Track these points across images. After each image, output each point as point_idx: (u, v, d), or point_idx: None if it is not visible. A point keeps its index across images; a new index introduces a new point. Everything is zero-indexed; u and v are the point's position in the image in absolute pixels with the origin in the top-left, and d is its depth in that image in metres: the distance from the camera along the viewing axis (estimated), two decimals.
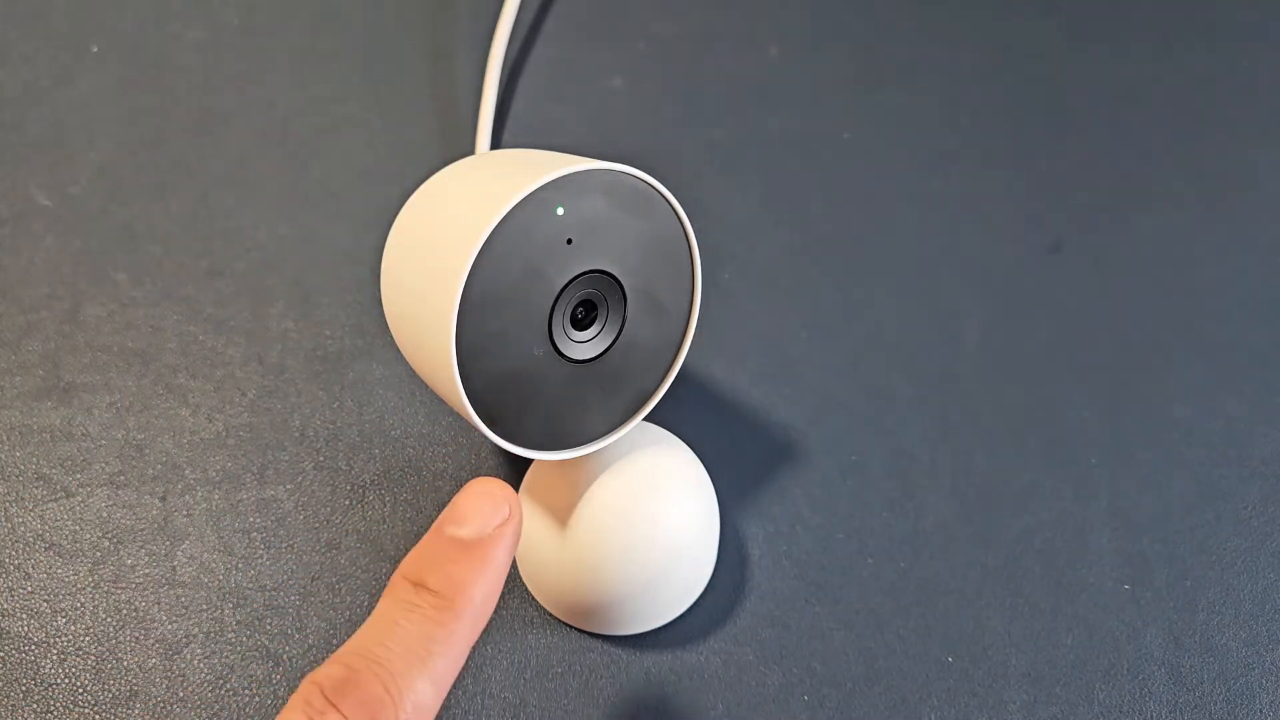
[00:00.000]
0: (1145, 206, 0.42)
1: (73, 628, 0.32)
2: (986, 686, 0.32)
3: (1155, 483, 0.35)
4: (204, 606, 0.33)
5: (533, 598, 0.33)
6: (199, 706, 0.31)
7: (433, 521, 0.34)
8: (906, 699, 0.32)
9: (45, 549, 0.34)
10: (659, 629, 0.32)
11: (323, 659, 0.32)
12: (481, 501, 0.24)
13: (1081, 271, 0.40)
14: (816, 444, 0.36)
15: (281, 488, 0.35)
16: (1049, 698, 0.32)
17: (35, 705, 0.31)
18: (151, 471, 0.35)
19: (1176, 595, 0.33)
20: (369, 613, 0.32)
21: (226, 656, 0.32)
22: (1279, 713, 0.31)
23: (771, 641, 0.32)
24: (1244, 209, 0.42)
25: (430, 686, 0.22)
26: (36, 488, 0.35)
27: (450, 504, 0.24)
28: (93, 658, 0.32)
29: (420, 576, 0.23)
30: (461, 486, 0.34)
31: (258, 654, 0.32)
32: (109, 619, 0.32)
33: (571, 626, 0.32)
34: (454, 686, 0.31)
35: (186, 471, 0.35)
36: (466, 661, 0.32)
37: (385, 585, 0.33)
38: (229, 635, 0.32)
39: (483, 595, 0.23)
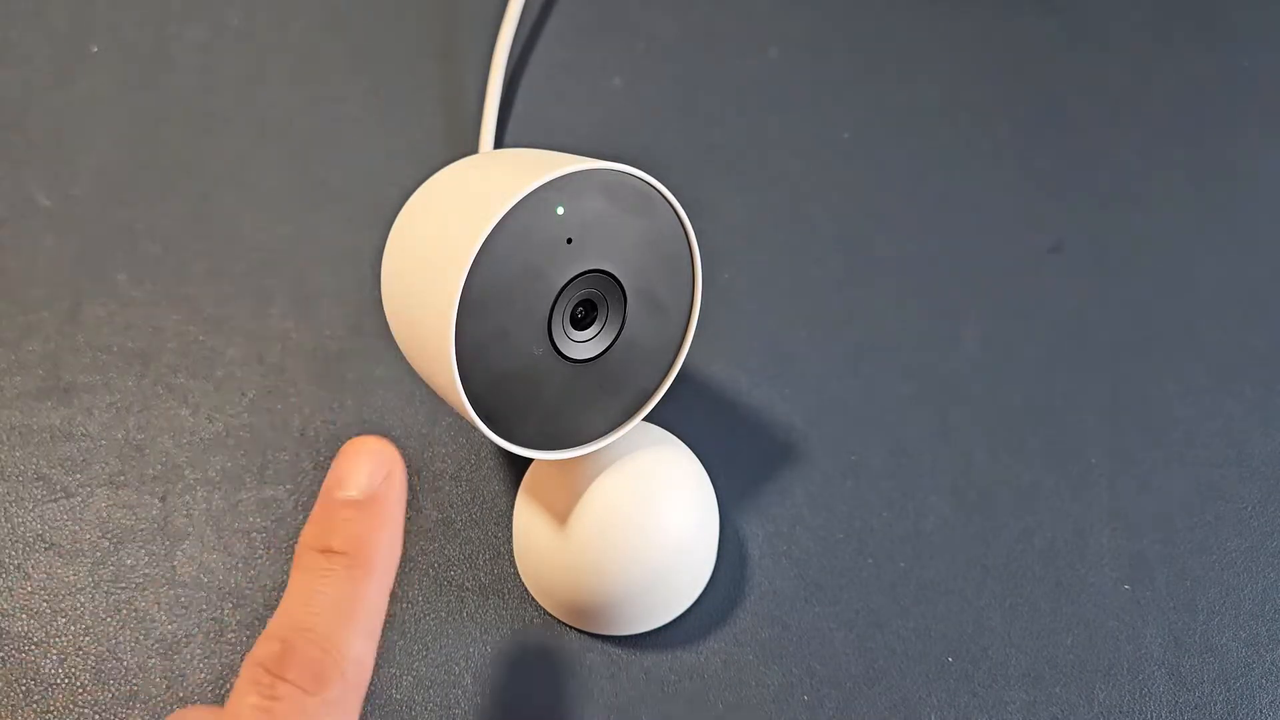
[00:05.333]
0: (1145, 206, 0.42)
1: (73, 628, 0.32)
2: (986, 686, 0.32)
3: (1155, 483, 0.35)
4: (204, 606, 0.33)
5: (533, 598, 0.33)
6: None
7: (433, 522, 0.34)
8: (906, 699, 0.32)
9: (45, 549, 0.34)
10: (659, 629, 0.32)
11: None
12: (361, 460, 0.25)
13: (1081, 271, 0.40)
14: (816, 444, 0.36)
15: (281, 488, 0.35)
16: (1049, 698, 0.32)
17: (35, 705, 0.31)
18: (151, 471, 0.35)
19: (1176, 595, 0.33)
20: None
21: (226, 656, 0.32)
22: (1279, 713, 0.31)
23: (771, 641, 0.32)
24: (1244, 209, 0.42)
25: (363, 640, 0.23)
26: (36, 488, 0.35)
27: (331, 469, 0.25)
28: (93, 658, 0.32)
29: (325, 542, 0.24)
30: (460, 484, 0.35)
31: None
32: (109, 619, 0.32)
33: (571, 626, 0.32)
34: (454, 687, 0.32)
35: (186, 471, 0.35)
36: (465, 661, 0.32)
37: None
38: (229, 635, 0.32)
39: (387, 546, 0.24)
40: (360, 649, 0.23)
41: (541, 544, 0.31)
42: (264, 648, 0.23)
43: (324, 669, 0.22)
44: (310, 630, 0.23)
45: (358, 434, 0.35)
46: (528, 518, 0.32)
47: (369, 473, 0.25)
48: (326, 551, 0.24)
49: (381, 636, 0.24)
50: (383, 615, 0.24)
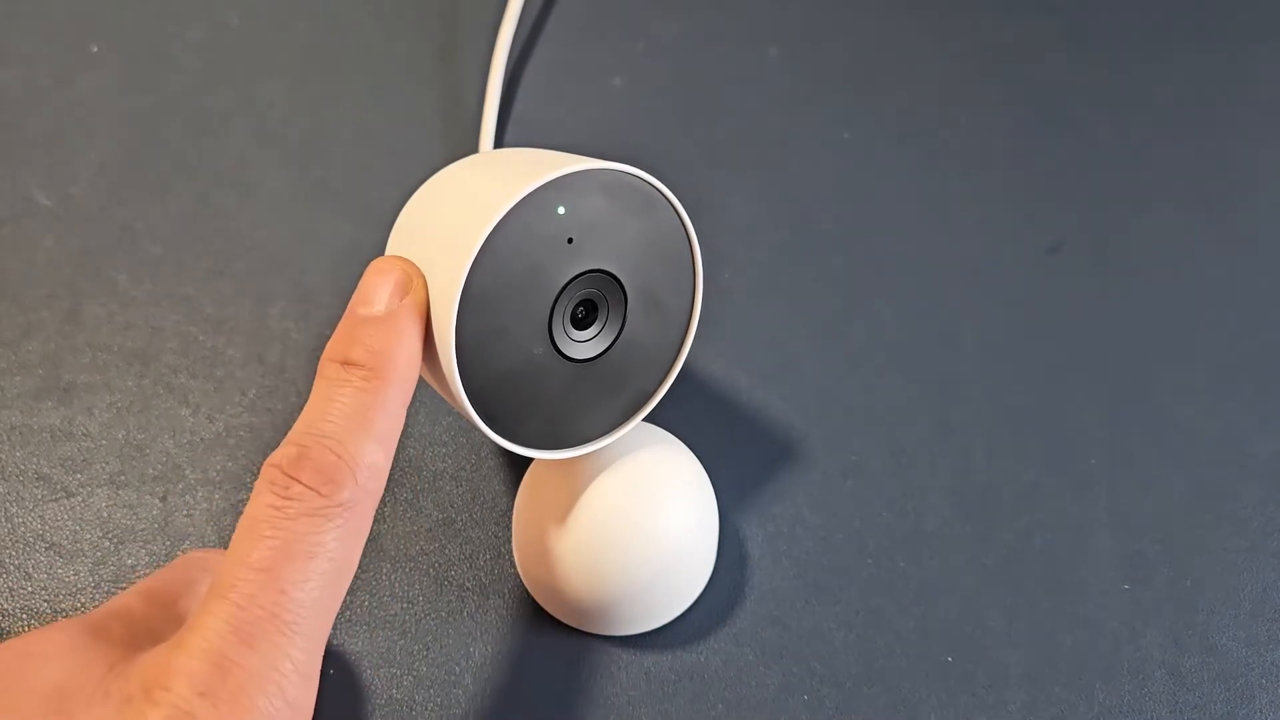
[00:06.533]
0: (1145, 206, 0.42)
1: None
2: (986, 686, 0.32)
3: (1155, 483, 0.35)
4: None
5: (533, 598, 0.33)
6: None
7: (433, 521, 0.34)
8: (906, 699, 0.32)
9: (45, 549, 0.34)
10: (659, 629, 0.32)
11: (322, 658, 0.32)
12: (383, 278, 0.26)
13: (1081, 272, 0.40)
14: (816, 444, 0.36)
15: None
16: (1049, 698, 0.32)
17: None
18: (152, 471, 0.35)
19: (1176, 595, 0.33)
20: (369, 613, 0.33)
21: None
22: (1279, 713, 0.31)
23: (771, 641, 0.32)
24: (1244, 209, 0.42)
25: (377, 446, 0.24)
26: (36, 488, 0.35)
27: (357, 288, 0.26)
28: None
29: (345, 355, 0.25)
30: (460, 484, 0.35)
31: None
32: None
33: (571, 626, 0.32)
34: (452, 686, 0.32)
35: (187, 471, 0.35)
36: (465, 661, 0.32)
37: (385, 585, 0.33)
38: None
39: (405, 359, 0.25)
40: (374, 456, 0.24)
41: (541, 544, 0.31)
42: (283, 451, 0.24)
43: (337, 472, 0.23)
44: (326, 436, 0.24)
45: None
46: (528, 518, 0.32)
47: (390, 292, 0.26)
48: (346, 364, 0.25)
49: (396, 453, 0.26)
50: (399, 426, 0.25)
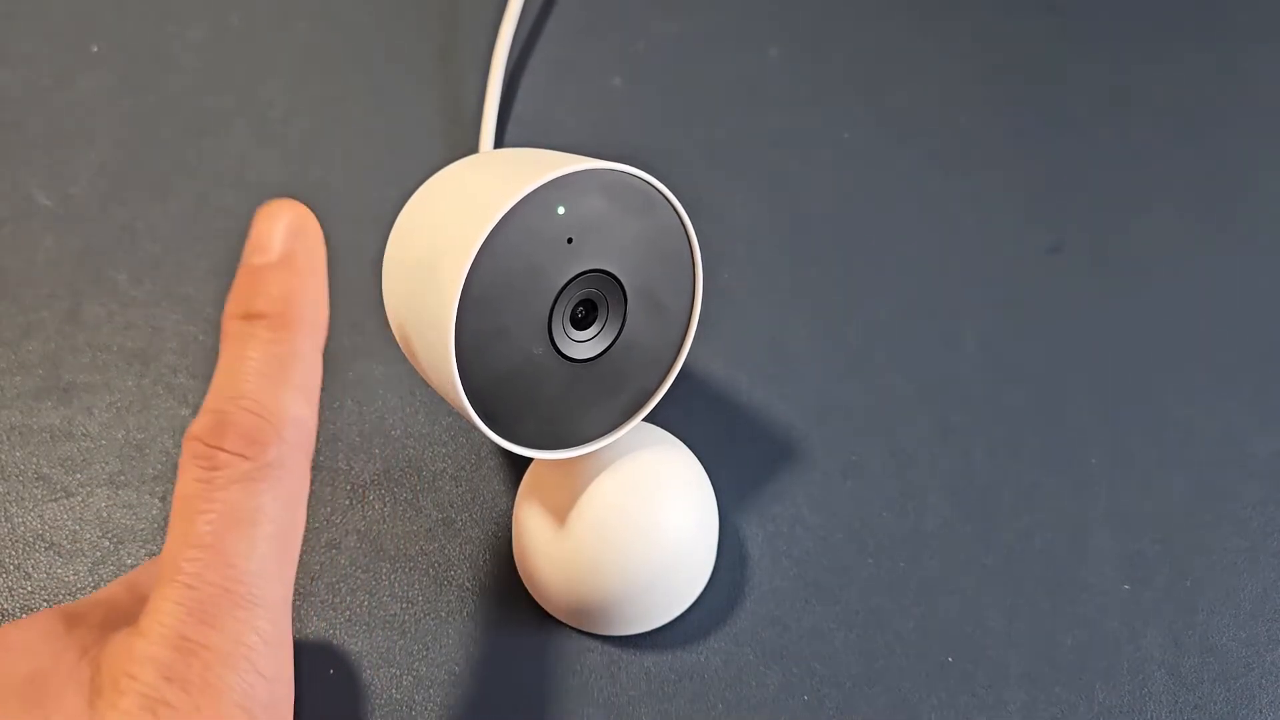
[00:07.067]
0: (1145, 206, 0.42)
1: None
2: (986, 686, 0.32)
3: (1155, 483, 0.35)
4: None
5: (533, 598, 0.33)
6: None
7: (433, 521, 0.34)
8: (906, 699, 0.32)
9: (45, 549, 0.34)
10: (659, 629, 0.32)
11: (321, 658, 0.32)
12: (274, 222, 0.24)
13: (1081, 272, 0.40)
14: (816, 444, 0.36)
15: None
16: (1049, 698, 0.32)
17: None
18: (151, 471, 0.35)
19: (1176, 595, 0.33)
20: (369, 613, 0.33)
21: None
22: (1279, 713, 0.31)
23: (771, 641, 0.32)
24: (1244, 209, 0.42)
25: (299, 396, 0.23)
26: (36, 488, 0.35)
27: (248, 238, 0.24)
28: None
29: (246, 308, 0.23)
30: (460, 484, 0.35)
31: None
32: None
33: (571, 626, 0.32)
34: (452, 686, 0.32)
35: None
36: (465, 661, 0.32)
37: (385, 585, 0.33)
38: None
39: (312, 302, 0.24)
40: (296, 408, 0.23)
41: (541, 544, 0.31)
42: (200, 421, 0.22)
43: (260, 432, 0.22)
44: (241, 397, 0.22)
45: (357, 434, 0.36)
46: (528, 518, 0.32)
47: (283, 235, 0.24)
48: (249, 317, 0.23)
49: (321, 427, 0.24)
50: (318, 373, 0.24)
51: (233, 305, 0.24)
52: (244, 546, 0.22)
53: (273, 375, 0.23)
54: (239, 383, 0.23)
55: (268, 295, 0.23)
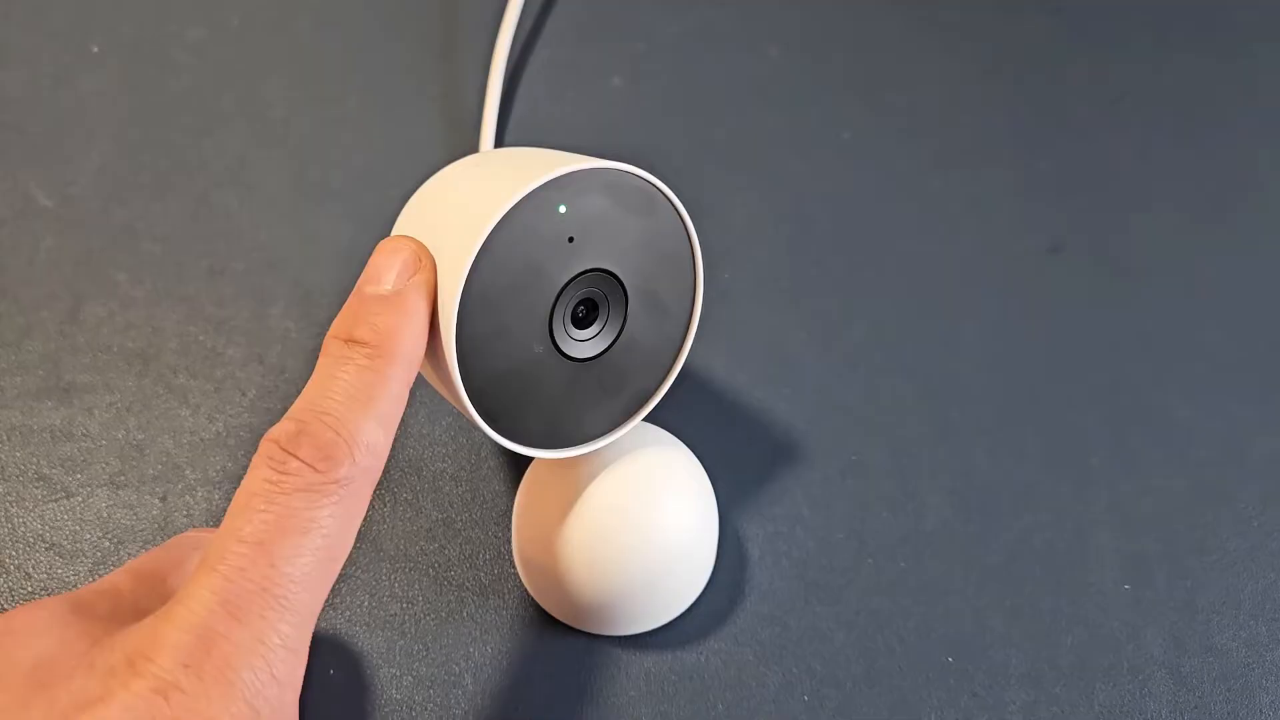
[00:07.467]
0: (1145, 207, 0.42)
1: None
2: (986, 687, 0.32)
3: (1155, 483, 0.35)
4: None
5: (533, 598, 0.33)
6: None
7: (433, 521, 0.34)
8: (906, 699, 0.32)
9: (45, 549, 0.34)
10: (659, 629, 0.32)
11: (322, 658, 0.32)
12: (393, 258, 0.26)
13: (1081, 272, 0.40)
14: (816, 444, 0.36)
15: None
16: (1049, 698, 0.32)
17: None
18: (152, 471, 0.35)
19: (1176, 595, 0.33)
20: (369, 613, 0.32)
21: None
22: (1279, 713, 0.31)
23: (771, 641, 0.32)
24: (1244, 209, 0.42)
25: (377, 426, 0.24)
26: (36, 488, 0.35)
27: (365, 267, 0.26)
28: None
29: (350, 333, 0.25)
30: (460, 484, 0.35)
31: None
32: None
33: (571, 626, 0.32)
34: (452, 686, 0.32)
35: (187, 471, 0.35)
36: (465, 661, 0.32)
37: (385, 585, 0.33)
38: None
39: (410, 339, 0.25)
40: (374, 435, 0.24)
41: (541, 544, 0.31)
42: (282, 426, 0.24)
43: (335, 449, 0.23)
44: (326, 413, 0.24)
45: None
46: (528, 518, 0.32)
47: (399, 270, 0.26)
48: (350, 341, 0.25)
49: (398, 430, 0.25)
50: (401, 407, 0.25)
51: (337, 327, 0.25)
52: (291, 552, 0.22)
53: (359, 399, 0.24)
54: (326, 399, 0.24)
55: (372, 325, 0.25)
